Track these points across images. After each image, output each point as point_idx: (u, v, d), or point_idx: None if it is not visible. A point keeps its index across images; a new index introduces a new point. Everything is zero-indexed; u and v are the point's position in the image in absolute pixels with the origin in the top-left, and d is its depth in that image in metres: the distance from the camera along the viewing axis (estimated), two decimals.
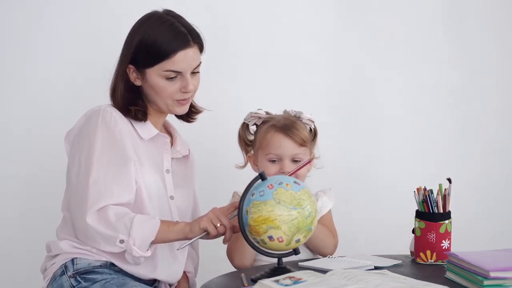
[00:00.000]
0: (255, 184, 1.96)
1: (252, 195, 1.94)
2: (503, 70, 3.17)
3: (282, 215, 1.90)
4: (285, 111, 2.34)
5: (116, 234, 2.02)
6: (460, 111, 3.15)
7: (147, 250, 2.04)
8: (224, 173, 2.50)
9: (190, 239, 2.03)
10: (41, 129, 2.77)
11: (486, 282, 1.81)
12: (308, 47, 3.02)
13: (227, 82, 2.91)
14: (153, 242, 2.05)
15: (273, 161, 2.27)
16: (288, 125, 2.28)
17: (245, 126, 2.35)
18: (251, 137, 2.35)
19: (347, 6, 3.05)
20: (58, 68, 2.79)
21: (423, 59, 3.12)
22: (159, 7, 2.20)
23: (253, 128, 2.36)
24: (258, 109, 2.34)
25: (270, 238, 1.91)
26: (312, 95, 3.01)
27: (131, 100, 2.16)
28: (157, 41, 2.10)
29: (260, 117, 2.32)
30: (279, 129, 2.27)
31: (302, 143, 2.27)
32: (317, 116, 2.82)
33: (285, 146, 2.26)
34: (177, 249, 2.10)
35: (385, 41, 3.08)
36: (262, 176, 1.96)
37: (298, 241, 1.93)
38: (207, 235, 2.03)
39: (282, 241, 1.91)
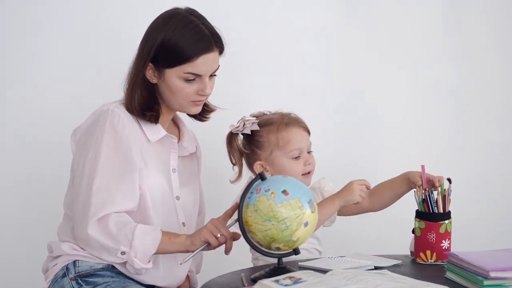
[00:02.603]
0: (254, 184, 1.96)
1: (251, 193, 1.94)
2: (503, 70, 3.18)
3: (257, 224, 1.91)
4: (263, 112, 2.32)
5: (118, 246, 2.01)
6: (460, 111, 3.15)
7: (149, 262, 2.05)
8: (228, 175, 2.50)
9: (192, 251, 2.03)
10: (42, 129, 2.77)
11: (486, 282, 1.81)
12: (308, 47, 3.02)
13: (227, 82, 2.90)
14: (154, 254, 2.05)
15: (297, 157, 2.26)
16: (296, 118, 2.29)
17: (237, 137, 2.29)
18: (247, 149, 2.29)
19: (347, 6, 3.05)
20: (57, 69, 2.78)
21: (423, 59, 3.12)
22: (162, 6, 2.18)
23: (240, 137, 2.30)
24: (244, 116, 2.30)
25: (252, 238, 1.95)
26: (312, 95, 3.02)
27: (148, 103, 2.13)
28: (180, 43, 2.08)
29: (253, 122, 2.27)
30: (293, 124, 2.27)
31: (309, 133, 2.29)
32: (318, 116, 2.83)
33: (304, 138, 2.27)
34: (180, 263, 2.09)
35: (385, 41, 3.08)
36: (262, 176, 1.96)
37: (278, 248, 1.94)
38: (208, 246, 2.03)
39: (261, 245, 1.94)
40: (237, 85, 2.94)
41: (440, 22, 3.12)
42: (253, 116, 2.30)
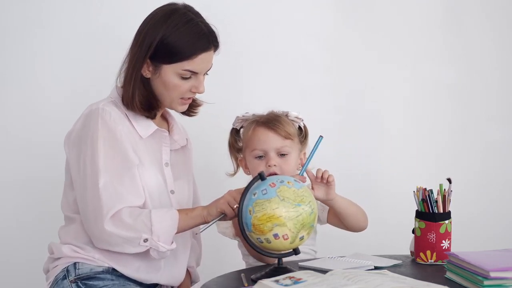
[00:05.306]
0: (254, 185, 1.96)
1: (254, 194, 1.93)
2: (502, 70, 3.18)
3: (287, 212, 1.90)
4: (271, 111, 2.33)
5: (139, 234, 2.01)
6: (460, 111, 3.15)
7: (172, 243, 2.05)
8: (221, 170, 2.50)
9: (208, 222, 2.05)
10: (42, 130, 2.77)
11: (486, 282, 1.81)
12: (308, 47, 3.02)
13: (227, 82, 2.91)
14: (176, 233, 2.06)
15: (260, 157, 2.25)
16: (270, 119, 2.27)
17: (234, 132, 2.33)
18: (241, 144, 2.32)
19: (347, 6, 3.05)
20: (57, 71, 2.79)
21: (423, 59, 3.12)
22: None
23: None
24: (246, 113, 2.31)
25: (275, 236, 1.91)
26: (312, 96, 3.02)
27: (148, 99, 2.13)
28: (181, 41, 2.09)
29: (247, 119, 2.30)
30: (261, 123, 2.26)
31: (287, 136, 2.24)
32: (317, 116, 2.83)
33: (269, 139, 2.24)
34: (196, 234, 2.11)
35: (384, 41, 3.09)
36: (261, 176, 1.96)
37: (301, 238, 1.94)
38: (224, 217, 2.05)
39: (287, 239, 1.92)
40: (237, 85, 2.95)
41: (440, 22, 3.13)
42: (252, 114, 2.31)
